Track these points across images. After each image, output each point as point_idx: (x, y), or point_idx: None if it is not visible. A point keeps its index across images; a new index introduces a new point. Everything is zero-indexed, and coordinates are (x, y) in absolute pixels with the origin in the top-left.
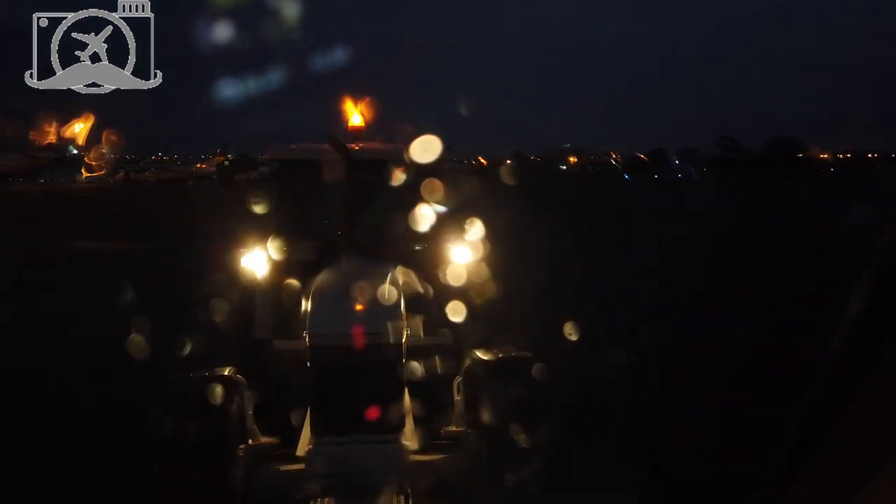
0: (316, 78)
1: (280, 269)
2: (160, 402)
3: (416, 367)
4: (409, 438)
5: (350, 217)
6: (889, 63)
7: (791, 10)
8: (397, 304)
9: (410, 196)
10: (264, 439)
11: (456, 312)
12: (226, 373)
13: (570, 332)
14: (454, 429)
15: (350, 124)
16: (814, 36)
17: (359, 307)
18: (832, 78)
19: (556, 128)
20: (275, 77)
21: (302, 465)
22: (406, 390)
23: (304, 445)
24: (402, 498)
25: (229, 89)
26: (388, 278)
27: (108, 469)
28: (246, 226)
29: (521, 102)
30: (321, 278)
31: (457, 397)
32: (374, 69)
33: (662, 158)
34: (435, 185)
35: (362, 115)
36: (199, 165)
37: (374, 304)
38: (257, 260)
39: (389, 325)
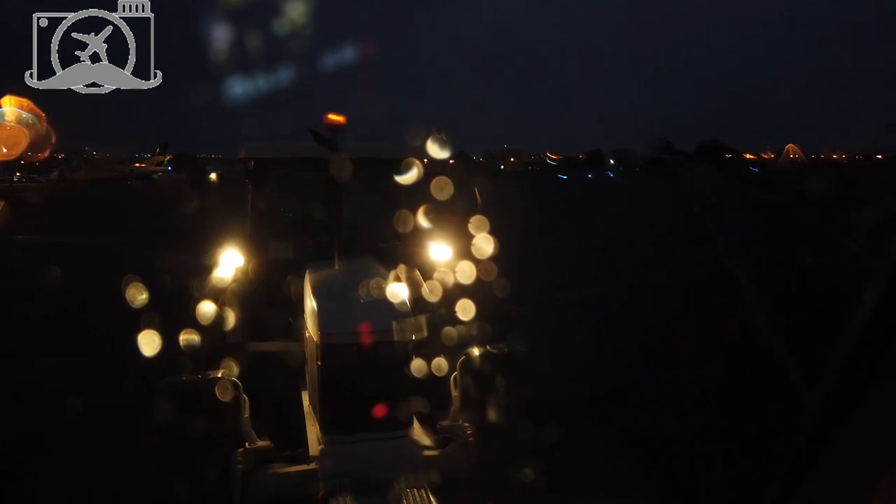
0: (273, 84)
1: (257, 271)
2: (153, 406)
3: (419, 363)
4: (418, 434)
5: (336, 216)
6: (815, 70)
7: (725, 24)
8: (405, 301)
9: (398, 194)
10: (261, 442)
11: (449, 308)
12: (219, 375)
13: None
14: (450, 423)
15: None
16: (748, 47)
17: (369, 305)
18: (766, 84)
19: (498, 128)
20: (239, 82)
21: (309, 465)
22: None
23: (314, 445)
24: (423, 492)
25: (191, 89)
26: (392, 277)
27: (101, 477)
28: (221, 227)
29: (463, 103)
30: (318, 278)
31: (453, 393)
32: (331, 72)
33: (598, 159)
34: (423, 185)
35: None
36: (136, 165)
37: (384, 303)
38: (232, 262)
39: (400, 323)
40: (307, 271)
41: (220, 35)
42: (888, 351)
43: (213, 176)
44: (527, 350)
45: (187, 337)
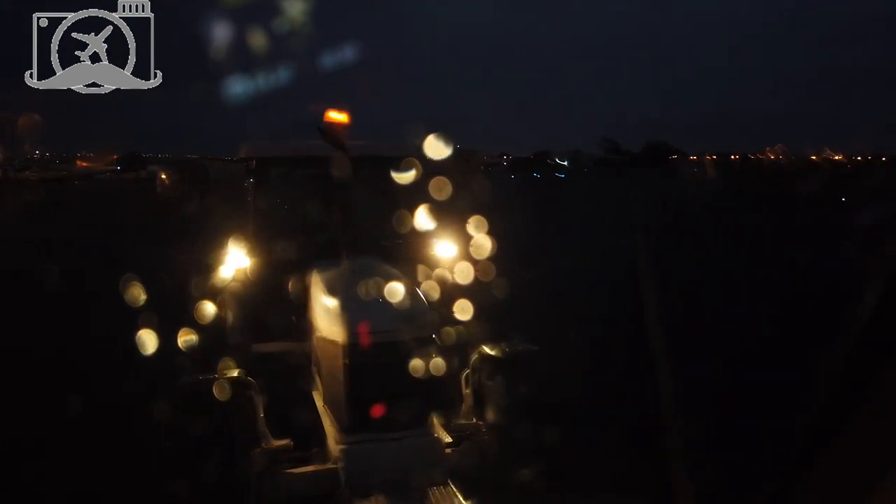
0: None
1: (259, 271)
2: (169, 406)
3: (437, 361)
4: (440, 432)
5: (341, 215)
6: (754, 72)
7: (670, 27)
8: (423, 299)
9: (404, 193)
10: (277, 442)
11: (457, 308)
12: (235, 374)
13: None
14: (464, 422)
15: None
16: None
17: (388, 304)
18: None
19: (451, 128)
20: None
21: (327, 465)
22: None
23: (333, 445)
24: (450, 489)
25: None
26: (405, 275)
27: (115, 478)
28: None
29: (415, 102)
30: (334, 277)
31: (466, 391)
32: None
33: (548, 159)
34: (429, 184)
35: (342, 117)
36: (81, 164)
37: (403, 301)
38: (234, 262)
39: (420, 321)
40: (316, 271)
41: (218, 35)
42: (888, 351)
43: (163, 176)
44: (539, 348)
45: (190, 338)
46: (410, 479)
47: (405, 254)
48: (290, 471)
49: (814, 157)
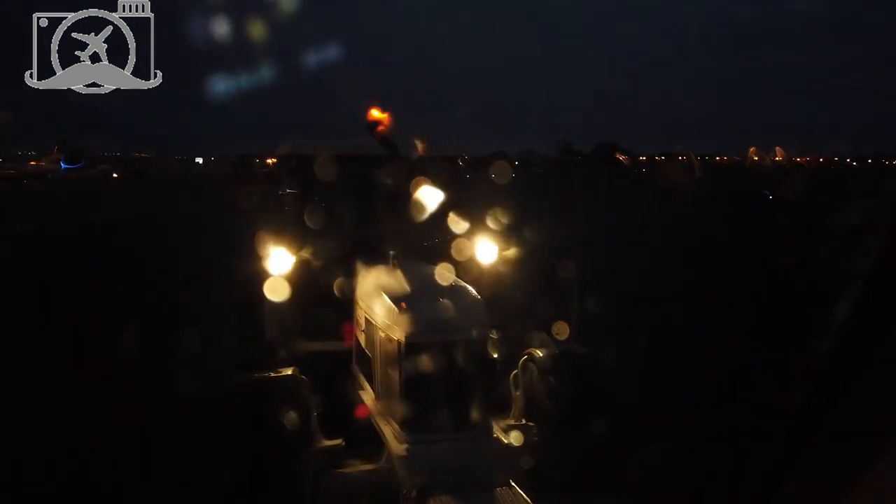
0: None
1: (301, 270)
2: (225, 404)
3: (492, 362)
4: (498, 432)
5: (386, 215)
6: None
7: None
8: (479, 299)
9: (446, 193)
10: (329, 442)
11: (504, 308)
12: (289, 372)
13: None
14: (514, 422)
15: (368, 124)
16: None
17: (447, 305)
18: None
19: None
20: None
21: (380, 464)
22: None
23: (394, 444)
24: (514, 489)
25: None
26: (457, 275)
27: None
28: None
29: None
30: (388, 277)
31: (515, 392)
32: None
33: (503, 159)
34: (465, 182)
35: (383, 117)
36: (32, 163)
37: (460, 302)
38: (275, 260)
39: (477, 321)
40: (365, 270)
41: (210, 35)
42: (870, 351)
43: (115, 174)
44: (586, 350)
45: (233, 337)
46: (474, 479)
47: (448, 253)
48: (344, 470)
49: (739, 158)
